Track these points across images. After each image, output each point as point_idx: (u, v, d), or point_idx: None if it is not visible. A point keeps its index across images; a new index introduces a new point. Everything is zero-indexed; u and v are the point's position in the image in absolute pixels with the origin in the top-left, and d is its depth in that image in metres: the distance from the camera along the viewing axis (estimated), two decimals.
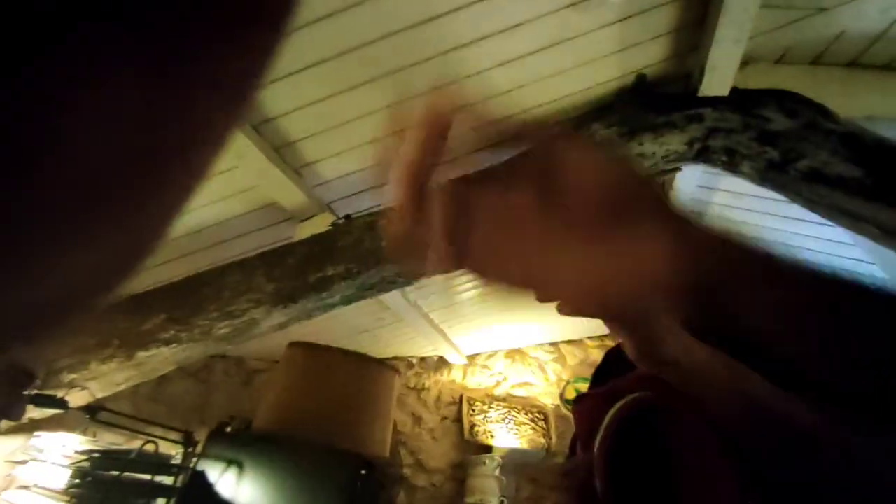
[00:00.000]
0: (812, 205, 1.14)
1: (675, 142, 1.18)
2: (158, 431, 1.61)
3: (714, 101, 1.18)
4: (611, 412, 0.46)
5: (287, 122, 1.24)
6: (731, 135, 1.15)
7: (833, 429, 0.31)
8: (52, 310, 0.14)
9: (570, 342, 3.16)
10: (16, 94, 0.09)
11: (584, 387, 3.00)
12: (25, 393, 1.31)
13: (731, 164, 1.17)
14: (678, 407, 0.42)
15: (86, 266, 0.13)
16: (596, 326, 3.11)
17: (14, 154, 0.09)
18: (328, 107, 1.22)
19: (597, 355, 3.13)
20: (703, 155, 1.18)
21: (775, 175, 1.16)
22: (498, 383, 2.96)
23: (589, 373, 2.62)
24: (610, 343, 3.21)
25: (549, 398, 2.97)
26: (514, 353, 3.05)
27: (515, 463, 2.63)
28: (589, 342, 3.18)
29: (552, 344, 3.13)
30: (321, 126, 1.28)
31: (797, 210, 1.29)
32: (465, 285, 2.21)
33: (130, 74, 0.10)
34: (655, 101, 1.21)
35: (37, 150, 0.09)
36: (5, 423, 1.61)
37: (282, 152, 1.31)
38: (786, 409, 0.33)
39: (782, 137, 1.14)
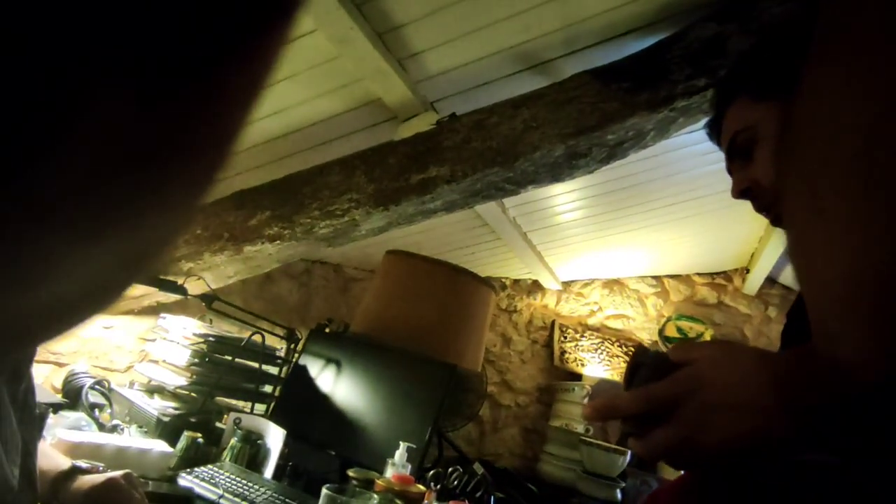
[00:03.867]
0: None
1: None
2: (265, 325, 1.69)
3: None
4: None
5: (392, 0, 1.11)
6: None
7: None
8: (64, 311, 0.14)
9: (675, 277, 2.90)
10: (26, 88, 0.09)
11: (686, 325, 2.78)
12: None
13: None
14: None
15: (93, 266, 0.13)
16: (705, 263, 2.82)
17: (19, 152, 0.09)
18: None
19: (704, 293, 2.87)
20: None
21: None
22: (592, 312, 2.83)
23: (694, 311, 2.38)
24: (721, 282, 2.92)
25: (646, 333, 2.80)
26: (613, 284, 2.88)
27: (605, 393, 2.55)
28: (697, 278, 2.90)
29: (655, 277, 2.90)
30: (429, 7, 1.13)
31: None
32: (567, 206, 2.04)
33: (130, 85, 0.10)
34: None
35: (42, 150, 0.09)
36: (138, 305, 1.79)
37: (386, 39, 1.19)
38: None
39: None
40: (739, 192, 0.67)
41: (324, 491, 0.84)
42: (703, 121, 1.31)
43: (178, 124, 0.11)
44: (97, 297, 0.14)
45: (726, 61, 1.04)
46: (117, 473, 0.74)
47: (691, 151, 1.75)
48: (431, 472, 1.25)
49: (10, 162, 0.09)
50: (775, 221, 0.66)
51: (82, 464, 0.78)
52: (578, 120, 1.10)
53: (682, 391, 0.41)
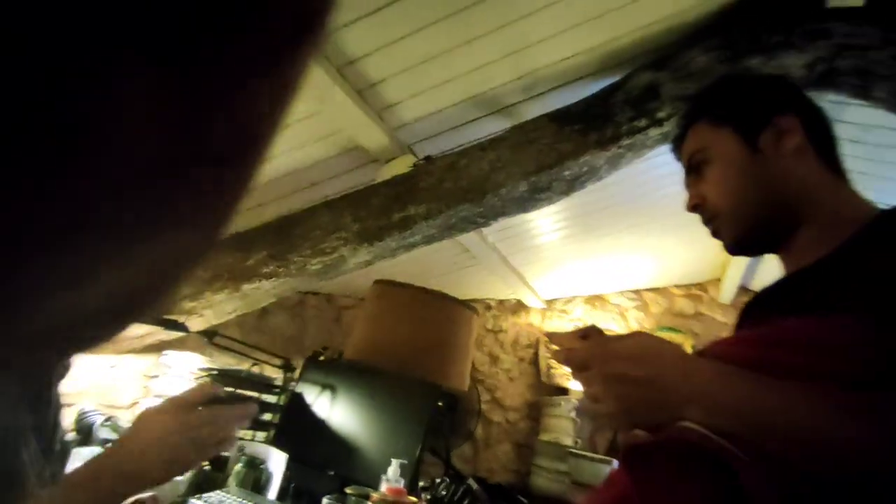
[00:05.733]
0: None
1: (792, 65, 1.04)
2: (262, 356, 1.79)
3: (846, 13, 1.02)
4: None
5: (369, 63, 1.25)
6: (866, 52, 0.99)
7: None
8: (92, 320, 0.13)
9: (654, 290, 3.04)
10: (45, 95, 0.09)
11: (667, 336, 2.90)
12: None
13: (864, 88, 1.02)
14: None
15: (130, 274, 0.13)
16: (681, 275, 2.96)
17: (41, 159, 0.09)
18: (408, 46, 1.21)
19: (682, 304, 3.00)
20: (827, 79, 1.04)
21: None
22: (576, 329, 2.94)
23: (673, 322, 2.52)
24: (697, 293, 3.06)
25: None
26: (594, 300, 3.00)
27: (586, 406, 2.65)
28: (675, 290, 3.04)
29: (635, 291, 3.03)
30: (401, 66, 1.27)
31: None
32: (545, 227, 2.17)
33: (150, 87, 0.10)
34: (770, 17, 1.07)
35: (63, 156, 0.09)
36: (141, 343, 1.88)
37: (364, 94, 1.33)
38: None
39: None
40: (692, 207, 0.75)
41: (324, 501, 0.94)
42: (668, 147, 1.46)
43: (199, 130, 0.11)
44: (138, 301, 0.14)
45: (662, 104, 1.20)
46: (144, 495, 0.84)
47: (661, 173, 1.90)
48: (422, 483, 1.35)
49: (49, 156, 0.09)
50: (714, 234, 0.74)
51: None
52: (538, 159, 1.24)
53: (589, 355, 0.55)
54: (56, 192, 0.10)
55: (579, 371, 0.58)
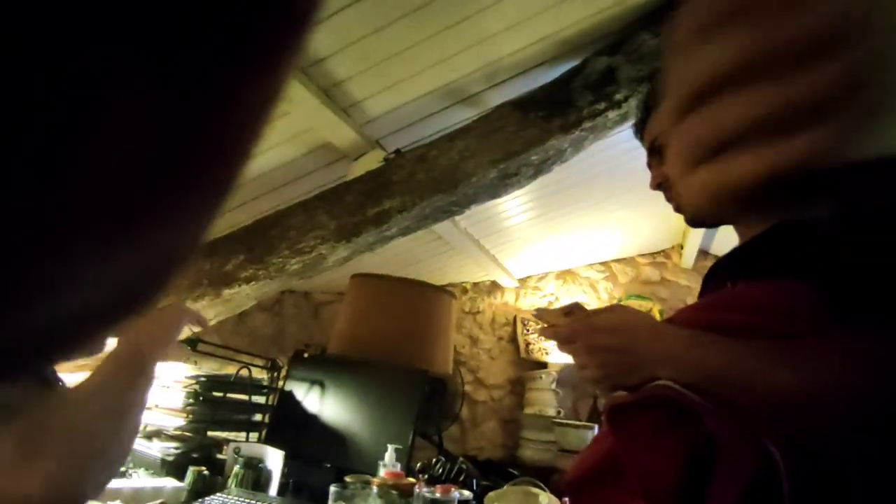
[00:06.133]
0: None
1: None
2: (246, 359, 1.80)
3: None
4: None
5: (334, 62, 1.26)
6: None
7: None
8: (87, 321, 0.13)
9: (620, 260, 3.16)
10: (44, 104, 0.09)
11: (636, 303, 3.04)
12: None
13: None
14: None
15: (121, 273, 0.13)
16: (645, 244, 3.09)
17: (42, 164, 0.09)
18: (371, 43, 1.23)
19: (648, 272, 3.14)
20: None
21: None
22: (550, 304, 3.05)
23: (641, 290, 2.63)
24: (662, 260, 3.20)
25: None
26: (565, 274, 3.10)
27: (571, 377, 2.77)
28: (640, 259, 3.17)
29: (602, 263, 3.14)
30: (366, 63, 1.29)
31: None
32: (514, 210, 2.23)
33: (149, 90, 0.10)
34: None
35: (62, 164, 0.09)
36: None
37: (331, 93, 1.35)
38: None
39: None
40: (655, 186, 0.81)
41: (332, 489, 0.99)
42: (628, 125, 1.52)
43: (195, 132, 0.11)
44: (121, 306, 0.14)
45: (619, 87, 1.26)
46: (156, 503, 0.86)
47: (620, 150, 1.97)
48: (419, 465, 1.41)
49: (42, 161, 0.09)
50: (677, 210, 0.80)
51: None
52: (505, 147, 1.29)
53: (572, 330, 0.62)
54: (53, 192, 0.10)
55: (565, 344, 0.64)
